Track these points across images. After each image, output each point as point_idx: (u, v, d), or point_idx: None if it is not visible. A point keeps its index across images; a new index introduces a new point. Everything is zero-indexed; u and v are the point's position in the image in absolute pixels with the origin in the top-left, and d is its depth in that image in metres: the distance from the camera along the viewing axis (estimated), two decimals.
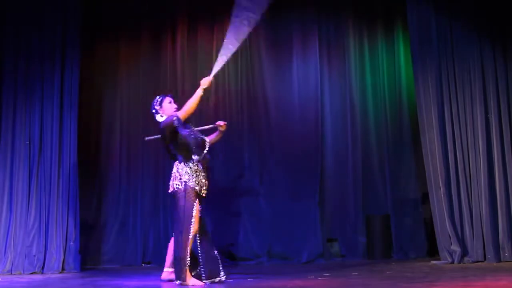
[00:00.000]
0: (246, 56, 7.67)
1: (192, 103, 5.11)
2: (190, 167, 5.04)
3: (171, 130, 5.03)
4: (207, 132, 5.55)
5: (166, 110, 5.24)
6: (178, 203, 4.97)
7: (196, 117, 7.55)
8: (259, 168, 7.53)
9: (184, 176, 5.00)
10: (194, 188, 4.99)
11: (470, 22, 6.69)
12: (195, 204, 4.96)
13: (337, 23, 7.79)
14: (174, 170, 5.10)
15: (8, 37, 6.77)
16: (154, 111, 5.29)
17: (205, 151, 5.15)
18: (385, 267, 6.15)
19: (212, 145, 5.36)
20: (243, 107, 7.61)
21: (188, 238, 4.88)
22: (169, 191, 5.11)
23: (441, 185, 6.45)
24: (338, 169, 7.55)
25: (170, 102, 5.28)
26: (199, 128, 5.46)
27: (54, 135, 6.63)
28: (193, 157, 5.08)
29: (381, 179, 7.53)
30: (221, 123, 5.48)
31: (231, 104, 7.62)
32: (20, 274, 6.29)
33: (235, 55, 5.64)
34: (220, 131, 5.48)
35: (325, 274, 5.51)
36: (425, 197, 7.05)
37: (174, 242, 5.01)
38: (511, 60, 6.63)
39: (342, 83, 7.71)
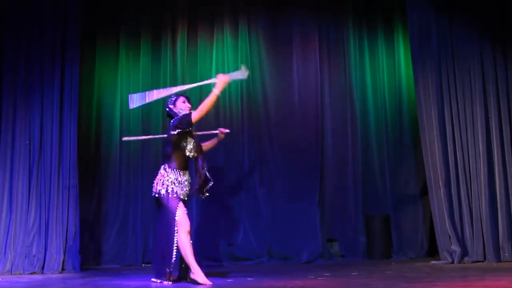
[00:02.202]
0: (246, 56, 7.66)
1: (208, 104, 5.07)
2: (179, 174, 5.10)
3: (185, 124, 5.05)
4: (207, 137, 5.55)
5: (179, 110, 5.25)
6: (162, 207, 5.08)
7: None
8: (259, 168, 7.52)
9: (169, 182, 5.07)
10: (177, 194, 5.06)
11: (470, 22, 6.69)
12: (178, 206, 5.03)
13: (337, 23, 7.78)
14: (162, 172, 5.14)
15: (8, 37, 6.76)
16: (167, 109, 5.31)
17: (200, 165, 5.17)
18: (385, 267, 6.15)
19: (206, 151, 5.40)
20: (243, 107, 7.60)
21: (180, 238, 4.94)
22: (152, 194, 5.17)
23: (441, 185, 6.45)
24: (338, 169, 7.55)
25: (183, 102, 5.27)
26: (200, 132, 5.45)
27: (54, 135, 6.61)
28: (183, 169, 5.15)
29: (381, 179, 7.53)
30: (224, 130, 5.54)
31: (231, 104, 7.61)
32: (20, 274, 6.29)
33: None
34: (219, 138, 5.55)
35: (325, 274, 5.51)
36: (425, 197, 7.06)
37: (160, 244, 5.07)
38: (511, 60, 6.63)
39: (342, 83, 7.71)
